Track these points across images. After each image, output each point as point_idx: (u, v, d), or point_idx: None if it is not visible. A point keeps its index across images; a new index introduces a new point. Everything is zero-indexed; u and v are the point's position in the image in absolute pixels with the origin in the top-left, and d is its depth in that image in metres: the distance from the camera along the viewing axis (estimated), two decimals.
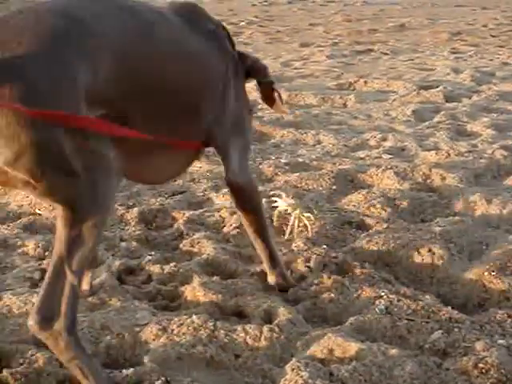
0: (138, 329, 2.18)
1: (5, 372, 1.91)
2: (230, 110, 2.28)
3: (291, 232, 2.81)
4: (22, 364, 1.98)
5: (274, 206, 2.86)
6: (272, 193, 3.10)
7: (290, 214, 2.84)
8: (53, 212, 3.12)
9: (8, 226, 3.07)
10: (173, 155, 2.16)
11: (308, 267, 2.61)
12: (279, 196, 2.89)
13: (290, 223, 2.80)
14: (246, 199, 2.37)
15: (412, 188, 3.48)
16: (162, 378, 1.91)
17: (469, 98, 5.73)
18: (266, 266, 2.50)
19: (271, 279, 2.50)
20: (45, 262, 2.66)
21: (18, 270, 2.63)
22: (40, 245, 2.82)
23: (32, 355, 2.01)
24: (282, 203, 2.81)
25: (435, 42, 9.53)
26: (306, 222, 2.80)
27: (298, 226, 2.83)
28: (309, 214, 2.81)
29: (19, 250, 2.82)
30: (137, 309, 2.29)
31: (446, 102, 5.63)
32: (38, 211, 3.24)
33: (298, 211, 2.77)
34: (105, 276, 2.54)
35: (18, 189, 1.70)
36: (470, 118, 4.97)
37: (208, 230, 3.01)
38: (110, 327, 2.17)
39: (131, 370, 1.97)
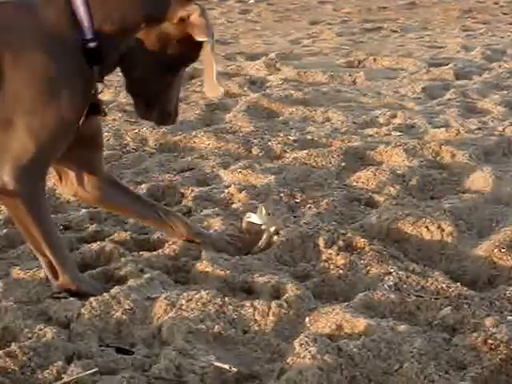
0: (147, 303, 2.18)
1: (13, 346, 1.91)
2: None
3: (259, 247, 2.63)
4: (30, 338, 1.98)
5: (248, 220, 2.69)
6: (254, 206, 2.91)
7: (263, 229, 2.65)
8: None
9: None
10: None
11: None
12: (259, 211, 2.69)
13: (262, 240, 2.62)
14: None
15: (421, 165, 3.46)
16: (173, 353, 1.91)
17: (479, 75, 5.69)
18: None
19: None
20: None
21: None
22: None
23: (40, 329, 2.02)
24: (257, 219, 2.65)
25: (445, 19, 9.45)
26: (274, 239, 2.63)
27: (268, 244, 2.63)
28: (279, 232, 2.64)
29: None
30: (146, 283, 2.29)
31: (457, 79, 5.58)
32: None
33: (272, 229, 2.63)
34: (112, 248, 2.55)
35: None
36: (480, 96, 4.93)
37: (216, 207, 3.00)
38: (121, 301, 2.17)
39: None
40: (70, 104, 2.12)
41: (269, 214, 2.65)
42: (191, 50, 2.24)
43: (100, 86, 2.23)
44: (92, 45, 2.11)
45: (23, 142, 2.09)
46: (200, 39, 2.17)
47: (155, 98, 2.30)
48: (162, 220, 2.54)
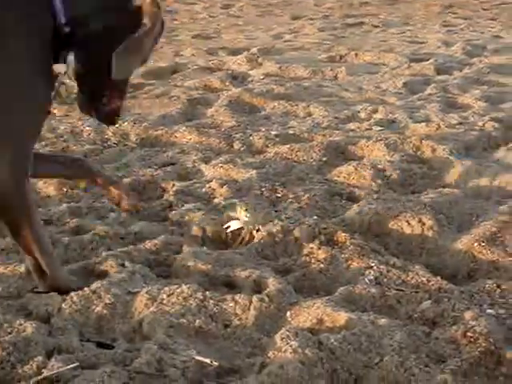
0: (128, 297, 2.17)
1: None
2: None
3: (240, 243, 2.64)
4: (10, 333, 1.97)
5: (227, 228, 2.66)
6: (226, 203, 2.91)
7: (242, 228, 2.66)
8: None
9: None
10: None
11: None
12: (234, 208, 2.71)
13: (241, 236, 2.63)
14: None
15: (402, 160, 3.48)
16: (154, 347, 1.91)
17: (460, 70, 5.71)
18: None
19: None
20: None
21: None
22: None
23: (20, 324, 2.01)
24: (235, 225, 2.65)
25: (427, 14, 9.48)
26: (255, 234, 2.64)
27: (248, 240, 2.64)
28: (259, 227, 2.64)
29: None
30: (128, 277, 2.29)
31: (437, 74, 5.61)
32: None
33: (250, 227, 2.63)
34: (92, 243, 2.55)
35: None
36: (460, 91, 4.96)
37: (198, 201, 2.99)
38: (101, 296, 2.17)
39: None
40: (42, 89, 2.11)
41: (246, 209, 2.64)
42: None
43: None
44: (66, 30, 2.09)
45: (4, 135, 2.05)
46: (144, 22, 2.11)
47: (101, 94, 2.24)
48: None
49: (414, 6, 10.32)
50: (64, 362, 1.85)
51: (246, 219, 2.63)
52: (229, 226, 2.66)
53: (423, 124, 4.06)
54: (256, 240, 2.61)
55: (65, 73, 2.18)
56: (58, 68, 2.15)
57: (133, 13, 2.12)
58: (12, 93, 2.04)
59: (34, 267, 2.21)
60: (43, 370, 1.83)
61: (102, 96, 2.24)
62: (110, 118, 2.32)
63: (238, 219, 2.65)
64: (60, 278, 2.24)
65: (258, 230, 2.63)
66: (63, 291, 2.20)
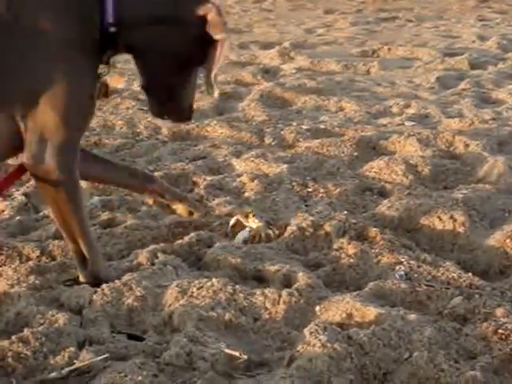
0: (159, 290, 2.19)
1: (26, 331, 1.93)
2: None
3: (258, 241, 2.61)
4: (42, 324, 2.00)
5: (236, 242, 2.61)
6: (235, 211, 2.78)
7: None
8: None
9: None
10: None
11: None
12: (241, 216, 2.67)
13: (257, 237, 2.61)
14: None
15: (434, 155, 3.45)
16: (184, 340, 1.92)
17: (494, 65, 5.66)
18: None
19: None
20: None
21: None
22: None
23: (52, 315, 2.03)
24: (245, 234, 2.61)
25: (461, 9, 9.39)
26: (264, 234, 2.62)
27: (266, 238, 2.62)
28: (269, 232, 2.62)
29: None
30: (158, 270, 2.30)
31: (471, 69, 5.55)
32: None
33: (261, 232, 2.61)
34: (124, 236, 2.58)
35: None
36: (495, 86, 4.91)
37: (228, 196, 3.00)
38: (133, 288, 2.18)
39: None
40: (88, 84, 2.17)
41: (254, 215, 2.65)
42: (206, 48, 2.21)
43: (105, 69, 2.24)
44: (112, 29, 2.14)
45: (55, 123, 2.10)
46: (217, 37, 2.17)
47: (170, 95, 2.30)
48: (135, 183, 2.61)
49: (449, 0, 10.22)
50: (95, 353, 1.87)
51: (259, 224, 2.62)
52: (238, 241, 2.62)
53: (456, 119, 4.03)
54: (286, 235, 2.61)
55: (107, 73, 2.22)
56: (101, 69, 2.20)
57: (191, 21, 2.16)
58: (63, 86, 2.09)
59: (77, 253, 2.26)
60: (75, 361, 1.85)
61: (170, 97, 2.30)
62: (182, 116, 2.41)
63: (246, 228, 2.64)
64: (101, 266, 2.29)
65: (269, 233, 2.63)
66: (102, 280, 2.24)
